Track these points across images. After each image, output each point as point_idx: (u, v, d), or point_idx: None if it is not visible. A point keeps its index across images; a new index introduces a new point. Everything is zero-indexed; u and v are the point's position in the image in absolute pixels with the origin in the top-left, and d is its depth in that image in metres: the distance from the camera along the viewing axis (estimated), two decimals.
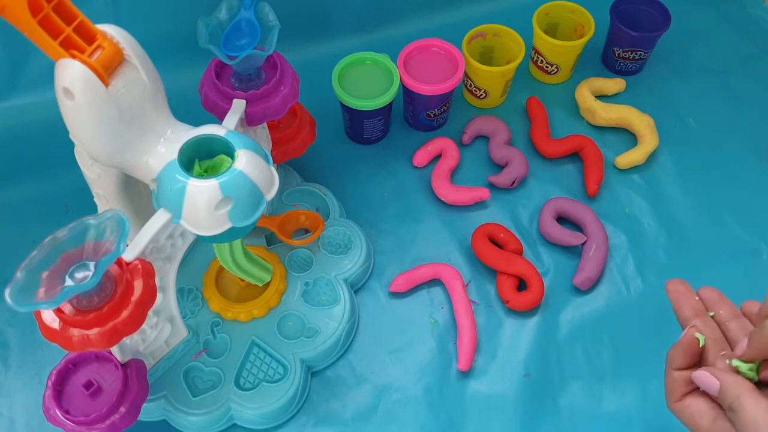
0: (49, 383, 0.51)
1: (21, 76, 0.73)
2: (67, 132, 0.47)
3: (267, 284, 0.63)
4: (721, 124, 0.79)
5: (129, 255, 0.46)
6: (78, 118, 0.44)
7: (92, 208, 0.65)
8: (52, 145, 0.71)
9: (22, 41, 0.71)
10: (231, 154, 0.46)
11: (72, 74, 0.42)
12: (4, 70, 0.72)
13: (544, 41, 0.77)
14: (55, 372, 0.52)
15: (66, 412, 0.50)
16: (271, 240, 0.67)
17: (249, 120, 0.56)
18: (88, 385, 0.51)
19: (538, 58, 0.80)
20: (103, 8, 0.71)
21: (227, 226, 0.45)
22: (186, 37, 0.69)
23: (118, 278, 0.45)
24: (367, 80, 0.71)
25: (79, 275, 0.41)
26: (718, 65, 0.84)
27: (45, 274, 0.41)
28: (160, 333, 0.55)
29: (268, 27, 0.53)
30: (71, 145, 0.49)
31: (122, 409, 0.50)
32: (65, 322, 0.43)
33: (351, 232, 0.67)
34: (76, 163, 0.53)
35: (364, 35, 0.83)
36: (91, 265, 0.41)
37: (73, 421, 0.50)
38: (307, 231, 0.68)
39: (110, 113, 0.44)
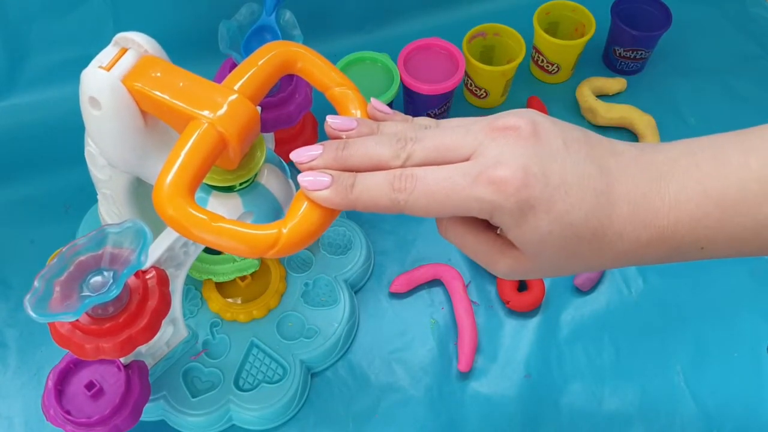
0: (50, 383, 0.51)
1: (20, 76, 0.73)
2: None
3: (267, 285, 0.62)
4: (723, 123, 0.76)
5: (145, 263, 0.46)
6: (103, 128, 0.43)
7: (91, 207, 0.65)
8: (52, 144, 0.72)
9: (21, 41, 0.72)
10: None
11: (99, 84, 0.41)
12: (3, 70, 0.72)
13: (544, 40, 0.77)
14: (56, 371, 0.51)
15: (67, 412, 0.50)
16: None
17: (261, 127, 0.56)
18: (89, 386, 0.51)
19: (538, 57, 0.80)
20: (103, 8, 0.71)
21: None
22: (187, 37, 0.69)
23: (133, 287, 0.45)
24: (368, 80, 0.71)
25: (95, 283, 0.41)
26: (720, 64, 0.83)
27: (59, 281, 0.40)
28: (162, 335, 0.55)
29: (289, 36, 0.53)
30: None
31: (125, 411, 0.50)
32: (81, 330, 0.43)
33: (351, 232, 0.67)
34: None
35: (364, 35, 0.83)
36: (106, 272, 0.41)
37: (74, 422, 0.49)
38: None
39: (136, 123, 0.43)
